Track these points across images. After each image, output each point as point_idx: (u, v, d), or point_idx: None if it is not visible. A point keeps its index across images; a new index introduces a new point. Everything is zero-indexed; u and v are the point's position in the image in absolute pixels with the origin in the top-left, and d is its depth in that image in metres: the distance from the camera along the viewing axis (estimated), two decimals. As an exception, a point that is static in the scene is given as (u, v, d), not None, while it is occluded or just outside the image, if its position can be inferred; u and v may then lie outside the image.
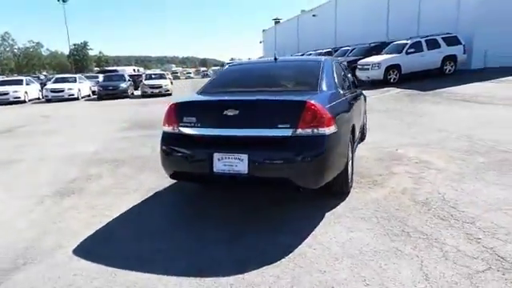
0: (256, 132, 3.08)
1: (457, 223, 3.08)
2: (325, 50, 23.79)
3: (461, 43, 15.56)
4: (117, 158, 6.10)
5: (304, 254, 2.72)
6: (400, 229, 3.04)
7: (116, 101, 18.97)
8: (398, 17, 22.65)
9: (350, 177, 3.82)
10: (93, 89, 22.93)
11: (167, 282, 2.47)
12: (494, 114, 8.20)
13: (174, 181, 4.48)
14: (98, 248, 3.04)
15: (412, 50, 15.24)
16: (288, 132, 3.00)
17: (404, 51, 15.28)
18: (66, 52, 72.12)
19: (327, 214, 3.40)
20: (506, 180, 4.02)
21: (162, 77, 22.84)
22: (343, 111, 3.63)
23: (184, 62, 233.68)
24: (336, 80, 3.94)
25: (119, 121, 11.03)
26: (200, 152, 3.28)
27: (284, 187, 3.33)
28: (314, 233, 3.06)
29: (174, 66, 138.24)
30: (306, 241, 2.92)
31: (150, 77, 22.97)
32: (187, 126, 3.32)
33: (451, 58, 15.54)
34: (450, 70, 15.69)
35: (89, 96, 22.71)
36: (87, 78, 25.42)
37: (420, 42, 15.44)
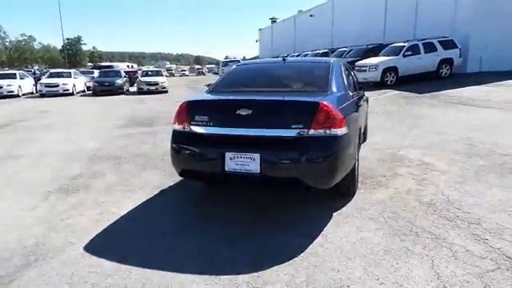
0: (269, 132, 3.11)
1: (463, 224, 3.15)
2: (322, 51, 23.91)
3: (457, 47, 15.76)
4: (118, 156, 6.08)
5: (316, 254, 2.76)
6: (408, 229, 3.10)
7: (112, 97, 18.85)
8: (395, 18, 22.82)
9: (356, 177, 3.88)
10: (88, 84, 22.73)
11: (183, 279, 2.49)
12: (490, 117, 8.33)
13: (179, 179, 4.53)
14: (110, 245, 3.04)
15: (409, 53, 15.39)
16: (301, 132, 3.04)
17: (401, 54, 15.42)
18: (59, 46, 71.27)
19: (335, 215, 3.44)
20: (508, 182, 4.11)
21: (158, 74, 22.80)
22: (352, 112, 3.67)
23: (178, 59, 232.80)
24: (345, 82, 3.98)
25: (117, 117, 10.97)
26: (212, 151, 3.29)
27: (295, 187, 3.37)
28: (323, 232, 3.10)
29: (168, 62, 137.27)
30: (316, 240, 2.96)
31: (146, 73, 22.95)
32: (199, 125, 3.34)
33: (447, 62, 15.72)
34: (446, 73, 15.87)
35: (83, 92, 22.50)
36: (82, 73, 25.17)
37: (417, 44, 15.60)
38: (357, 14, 27.28)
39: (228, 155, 3.17)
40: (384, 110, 10.06)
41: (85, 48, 78.82)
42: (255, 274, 2.52)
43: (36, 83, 21.71)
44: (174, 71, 63.48)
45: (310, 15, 35.84)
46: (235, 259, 2.73)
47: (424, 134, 6.91)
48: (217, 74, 35.62)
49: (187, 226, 3.37)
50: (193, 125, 3.37)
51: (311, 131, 3.02)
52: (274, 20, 51.05)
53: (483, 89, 12.36)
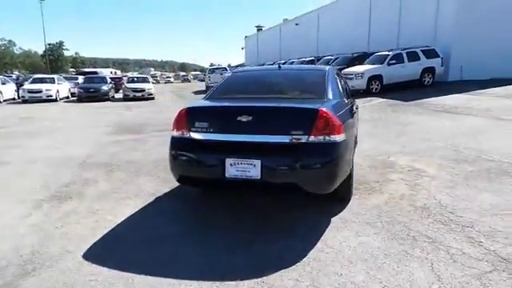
0: (269, 138, 3.15)
1: (457, 227, 3.25)
2: (308, 59, 24.23)
3: (439, 56, 16.28)
4: (109, 163, 6.00)
5: (318, 258, 2.79)
6: (405, 233, 3.18)
7: (97, 103, 18.57)
8: (379, 27, 23.40)
9: (351, 183, 3.95)
10: (72, 90, 22.32)
11: (188, 285, 2.48)
12: (473, 124, 8.61)
13: (174, 186, 4.51)
14: (109, 253, 3.00)
15: (393, 62, 15.79)
16: (301, 139, 3.09)
17: (386, 62, 15.81)
18: (40, 51, 69.84)
19: (333, 220, 3.50)
20: (496, 187, 4.26)
21: (145, 80, 22.64)
22: (348, 119, 3.76)
23: (163, 65, 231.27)
24: (340, 89, 4.08)
25: (105, 124, 10.82)
26: (212, 157, 3.31)
27: (295, 192, 3.40)
28: (323, 238, 3.14)
29: (152, 69, 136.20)
30: (317, 245, 3.00)
31: (132, 80, 22.77)
32: (198, 132, 3.35)
33: (430, 70, 16.21)
34: (428, 82, 16.35)
35: (67, 98, 22.06)
36: (66, 79, 24.69)
37: (401, 53, 16.03)
38: (342, 22, 27.86)
39: (228, 161, 3.19)
40: (371, 118, 10.26)
41: (67, 53, 77.60)
42: (260, 279, 2.53)
43: (18, 89, 21.17)
44: (158, 78, 63.18)
45: (296, 24, 36.36)
46: (238, 265, 2.74)
47: (412, 141, 7.08)
48: (203, 80, 35.62)
49: (186, 233, 3.35)
50: (192, 131, 3.38)
51: (311, 138, 3.08)
52: (259, 28, 51.57)
53: (465, 97, 12.77)
